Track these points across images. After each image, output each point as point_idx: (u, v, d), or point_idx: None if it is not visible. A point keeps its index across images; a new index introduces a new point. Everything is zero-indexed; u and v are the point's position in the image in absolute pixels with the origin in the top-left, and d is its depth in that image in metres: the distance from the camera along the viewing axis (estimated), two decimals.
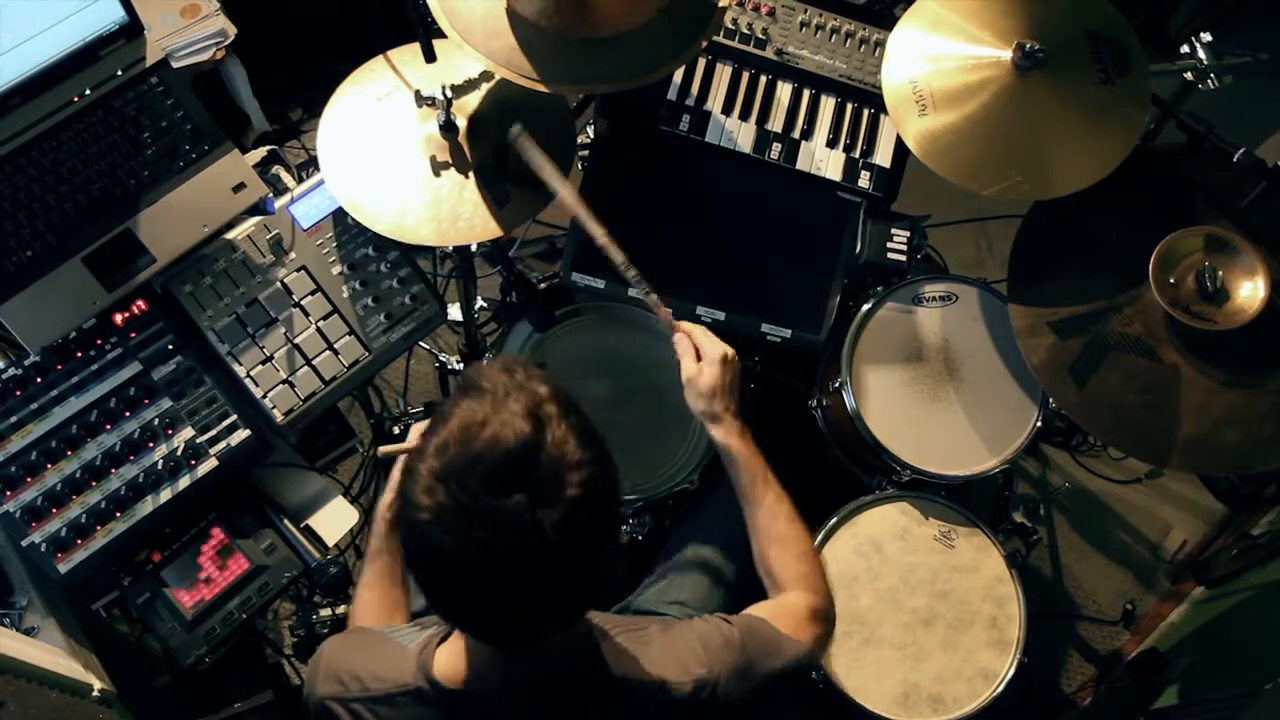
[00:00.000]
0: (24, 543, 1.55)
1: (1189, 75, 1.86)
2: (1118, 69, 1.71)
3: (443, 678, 1.08)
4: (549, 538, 0.87)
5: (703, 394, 1.40)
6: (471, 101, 1.70)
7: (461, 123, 1.66)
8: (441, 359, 2.36)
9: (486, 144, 1.68)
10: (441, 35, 1.50)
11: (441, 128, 1.64)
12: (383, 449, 1.47)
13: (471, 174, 1.66)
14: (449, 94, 1.60)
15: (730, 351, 1.42)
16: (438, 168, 1.65)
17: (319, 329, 1.74)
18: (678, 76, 1.97)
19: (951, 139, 1.69)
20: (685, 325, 1.46)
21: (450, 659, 1.09)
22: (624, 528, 1.99)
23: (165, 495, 1.62)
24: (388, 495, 1.45)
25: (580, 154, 2.09)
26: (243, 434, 1.67)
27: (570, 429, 0.91)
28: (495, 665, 1.07)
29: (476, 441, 0.88)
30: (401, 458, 1.42)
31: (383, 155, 1.67)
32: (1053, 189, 1.69)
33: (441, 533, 0.89)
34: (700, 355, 1.42)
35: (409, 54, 1.76)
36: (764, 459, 1.40)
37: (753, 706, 1.15)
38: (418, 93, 1.64)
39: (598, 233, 1.45)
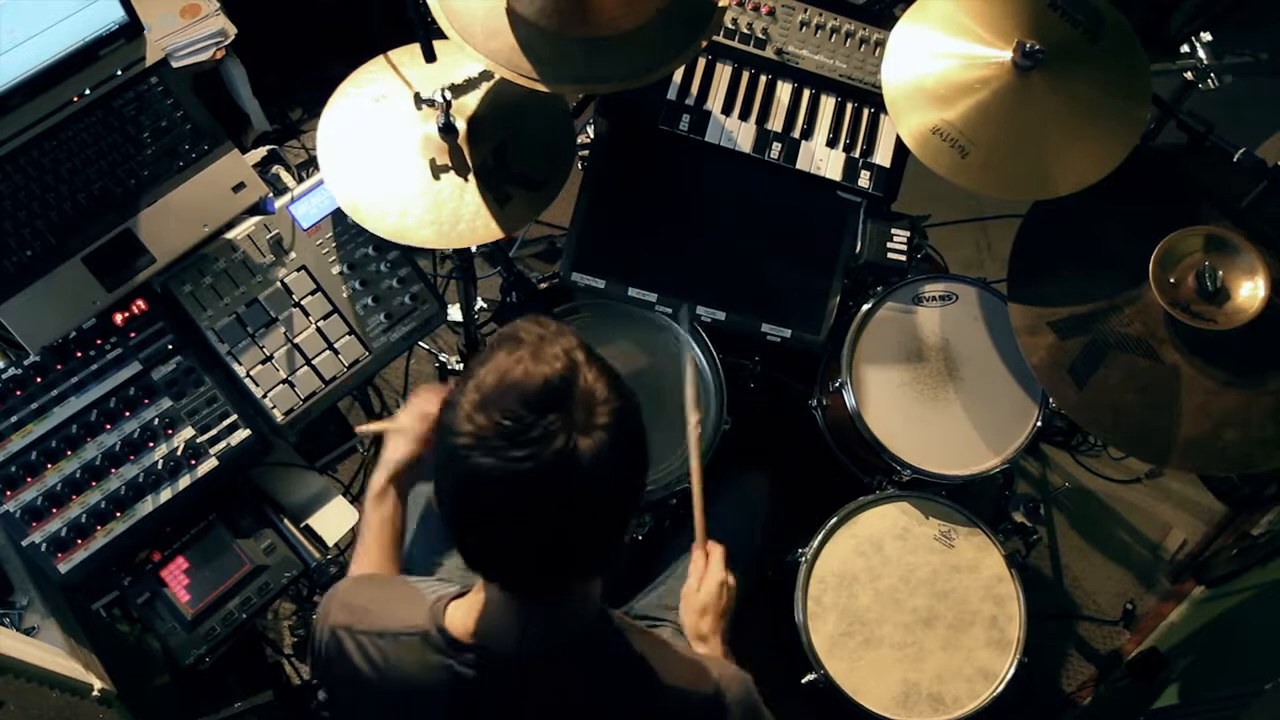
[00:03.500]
0: (24, 543, 1.55)
1: (1189, 75, 1.86)
2: (1093, 22, 1.71)
3: (452, 629, 1.09)
4: (583, 465, 0.91)
5: (694, 609, 1.43)
6: (471, 102, 1.70)
7: (461, 125, 1.66)
8: (441, 359, 2.36)
9: (486, 145, 1.67)
10: (441, 35, 1.50)
11: (441, 130, 1.63)
12: (360, 428, 1.51)
13: (471, 176, 1.66)
14: (448, 96, 1.60)
15: (731, 581, 1.45)
16: (437, 170, 1.65)
17: (319, 329, 1.74)
18: (678, 76, 1.96)
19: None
20: (711, 545, 1.49)
21: (463, 613, 1.10)
22: None
23: (165, 495, 1.62)
24: (377, 476, 1.46)
25: (580, 154, 2.09)
26: (243, 434, 1.67)
27: (600, 373, 0.96)
28: (512, 622, 1.07)
29: (514, 374, 0.93)
30: (388, 431, 1.47)
31: (383, 156, 1.67)
32: (1055, 188, 1.69)
33: (481, 454, 0.91)
34: (704, 576, 1.45)
35: (409, 54, 1.76)
36: None
37: None
38: (417, 95, 1.63)
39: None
